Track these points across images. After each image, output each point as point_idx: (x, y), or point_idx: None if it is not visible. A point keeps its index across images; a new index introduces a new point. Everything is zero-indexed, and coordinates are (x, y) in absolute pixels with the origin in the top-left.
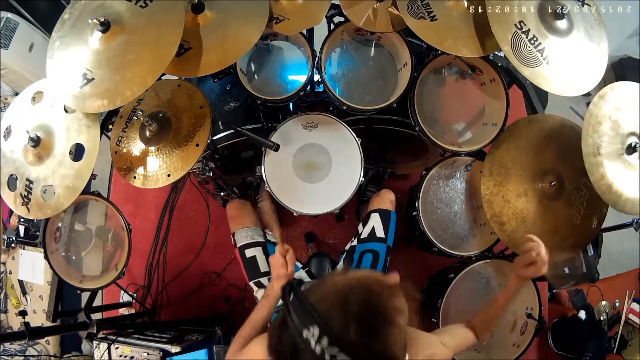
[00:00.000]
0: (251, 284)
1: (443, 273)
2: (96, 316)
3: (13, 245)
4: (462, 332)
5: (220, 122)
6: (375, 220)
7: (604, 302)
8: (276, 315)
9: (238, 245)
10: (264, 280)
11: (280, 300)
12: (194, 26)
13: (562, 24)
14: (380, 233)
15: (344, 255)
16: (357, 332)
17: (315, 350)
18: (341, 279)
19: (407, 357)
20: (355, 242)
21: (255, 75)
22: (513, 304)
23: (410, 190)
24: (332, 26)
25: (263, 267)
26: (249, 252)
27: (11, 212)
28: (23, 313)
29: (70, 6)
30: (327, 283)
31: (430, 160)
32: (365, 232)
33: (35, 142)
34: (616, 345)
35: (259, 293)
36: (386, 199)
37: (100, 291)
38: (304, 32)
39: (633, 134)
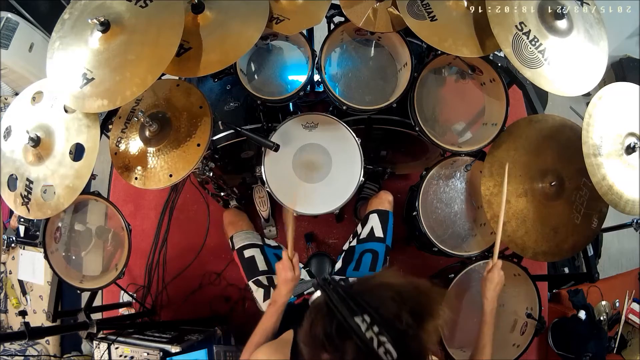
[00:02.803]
0: (250, 283)
1: (443, 273)
2: (96, 316)
3: (13, 245)
4: None
5: (220, 122)
6: (374, 221)
7: (604, 302)
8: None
9: (236, 247)
10: (262, 279)
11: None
12: (194, 26)
13: (562, 24)
14: (379, 233)
15: (342, 255)
16: (408, 322)
17: (367, 335)
18: (389, 278)
19: None
20: (354, 242)
21: (255, 75)
22: (513, 304)
23: (410, 190)
24: (332, 26)
25: (262, 266)
26: (247, 253)
27: (11, 212)
28: (23, 313)
29: (70, 6)
30: (372, 280)
31: (430, 160)
32: (364, 233)
33: (35, 142)
34: (616, 345)
35: (258, 292)
36: (384, 200)
37: (100, 291)
38: (304, 32)
39: (632, 134)
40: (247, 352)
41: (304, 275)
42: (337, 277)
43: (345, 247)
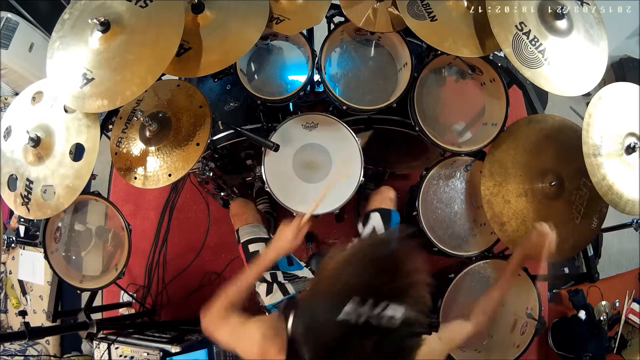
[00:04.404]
0: None
1: (443, 273)
2: (96, 316)
3: (13, 245)
4: (456, 323)
5: (220, 122)
6: (375, 221)
7: (604, 302)
8: (275, 310)
9: (242, 240)
10: (266, 274)
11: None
12: (194, 26)
13: (562, 24)
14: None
15: None
16: (388, 278)
17: (359, 321)
18: (336, 260)
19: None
20: None
21: (255, 75)
22: (513, 304)
23: (410, 190)
24: (332, 26)
25: None
26: (252, 247)
27: (11, 212)
28: (23, 313)
29: (70, 6)
30: (324, 273)
31: (430, 160)
32: (365, 233)
33: (35, 142)
34: (616, 345)
35: (260, 287)
36: (386, 197)
37: (100, 291)
38: (304, 32)
39: (632, 134)
40: (220, 300)
41: (307, 273)
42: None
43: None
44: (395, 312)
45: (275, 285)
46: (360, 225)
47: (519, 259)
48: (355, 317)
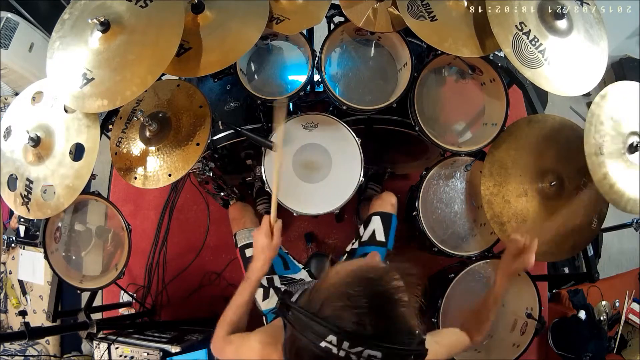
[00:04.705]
0: None
1: (443, 273)
2: (96, 316)
3: (13, 245)
4: (455, 332)
5: (220, 122)
6: (376, 224)
7: (604, 302)
8: (273, 316)
9: (239, 245)
10: (262, 279)
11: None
12: (194, 26)
13: (562, 24)
14: (380, 237)
15: (344, 257)
16: (372, 324)
17: (340, 354)
18: (335, 280)
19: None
20: (356, 245)
21: (255, 75)
22: (513, 304)
23: (410, 190)
24: (332, 26)
25: None
26: (249, 252)
27: (11, 212)
28: (23, 313)
29: (70, 6)
30: (322, 287)
31: (430, 160)
32: (366, 235)
33: (35, 142)
34: (616, 345)
35: (257, 292)
36: (387, 202)
37: (100, 291)
38: (304, 32)
39: (634, 133)
40: (221, 327)
41: (305, 276)
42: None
43: (348, 248)
44: (371, 356)
45: (271, 290)
46: (361, 228)
47: (504, 279)
48: (337, 350)
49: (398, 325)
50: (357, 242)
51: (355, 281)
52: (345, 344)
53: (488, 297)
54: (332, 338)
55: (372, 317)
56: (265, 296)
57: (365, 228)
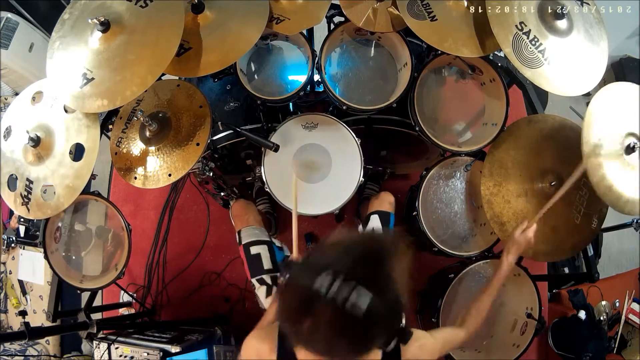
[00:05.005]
0: (253, 280)
1: (443, 273)
2: (96, 316)
3: (13, 245)
4: (450, 330)
5: (220, 122)
6: (375, 223)
7: (604, 302)
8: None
9: (243, 242)
10: (266, 277)
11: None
12: (194, 26)
13: (562, 24)
14: None
15: None
16: (368, 264)
17: (329, 293)
18: (338, 236)
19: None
20: None
21: (255, 75)
22: (513, 304)
23: (410, 190)
24: (332, 26)
25: (267, 265)
26: (254, 249)
27: (11, 212)
28: (23, 313)
29: (70, 6)
30: (324, 242)
31: (430, 160)
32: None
33: (35, 142)
34: (616, 345)
35: (260, 290)
36: (385, 201)
37: (100, 291)
38: (304, 32)
39: (632, 134)
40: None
41: None
42: None
43: None
44: (360, 298)
45: (274, 288)
46: (360, 227)
47: (507, 266)
48: (325, 291)
49: (387, 282)
50: None
51: (358, 236)
52: (336, 284)
53: (492, 282)
54: (325, 277)
55: (365, 265)
56: (269, 293)
57: (364, 227)
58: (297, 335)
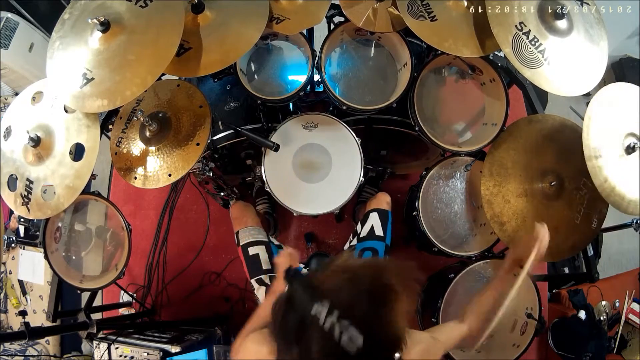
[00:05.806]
0: (252, 281)
1: (443, 273)
2: (96, 316)
3: (13, 245)
4: (451, 325)
5: (220, 122)
6: (374, 220)
7: (604, 302)
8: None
9: (241, 243)
10: (265, 277)
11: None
12: (194, 26)
13: (562, 24)
14: (379, 232)
15: None
16: (367, 304)
17: (325, 325)
18: (349, 260)
19: (400, 354)
20: (354, 242)
21: (255, 75)
22: (513, 304)
23: (410, 190)
24: (332, 26)
25: (265, 265)
26: (252, 250)
27: (11, 213)
28: (23, 313)
29: (70, 6)
30: (332, 264)
31: (430, 160)
32: (364, 231)
33: (35, 142)
34: (616, 345)
35: (259, 291)
36: (383, 201)
37: (100, 291)
38: (304, 32)
39: (632, 134)
40: (240, 338)
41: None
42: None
43: (346, 246)
44: (351, 339)
45: None
46: (358, 226)
47: (510, 261)
48: (323, 320)
49: (389, 318)
50: (355, 239)
51: (366, 266)
52: (334, 315)
53: (495, 280)
54: (325, 304)
55: (365, 304)
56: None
57: (363, 225)
58: (285, 354)
